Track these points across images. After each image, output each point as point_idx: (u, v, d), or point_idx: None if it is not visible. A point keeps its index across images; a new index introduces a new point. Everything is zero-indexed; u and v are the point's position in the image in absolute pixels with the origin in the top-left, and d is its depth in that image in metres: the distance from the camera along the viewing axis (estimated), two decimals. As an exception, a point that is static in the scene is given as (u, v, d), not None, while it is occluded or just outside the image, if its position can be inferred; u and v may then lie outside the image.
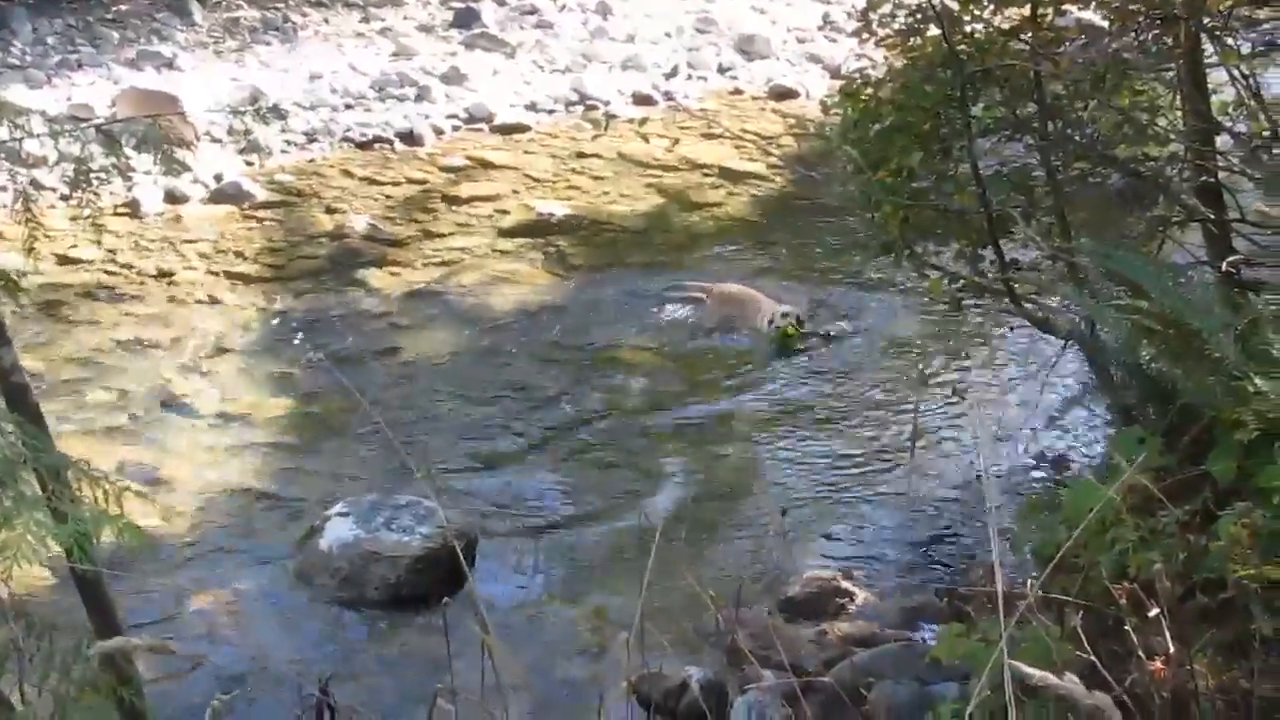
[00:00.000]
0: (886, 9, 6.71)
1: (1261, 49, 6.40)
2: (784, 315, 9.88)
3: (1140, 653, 3.86)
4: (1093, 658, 3.64)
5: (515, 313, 10.62)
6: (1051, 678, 2.16)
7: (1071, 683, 2.19)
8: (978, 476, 7.90)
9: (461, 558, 5.97)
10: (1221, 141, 6.31)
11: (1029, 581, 3.11)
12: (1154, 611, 3.85)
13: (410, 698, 6.31)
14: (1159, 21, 6.11)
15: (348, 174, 13.17)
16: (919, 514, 8.00)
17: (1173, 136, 6.41)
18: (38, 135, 4.18)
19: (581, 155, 13.61)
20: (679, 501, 8.16)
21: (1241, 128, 6.31)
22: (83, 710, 3.62)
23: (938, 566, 7.44)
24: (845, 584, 7.18)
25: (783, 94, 15.43)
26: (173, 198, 12.22)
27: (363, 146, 13.78)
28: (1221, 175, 6.32)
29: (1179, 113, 6.44)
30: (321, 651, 6.88)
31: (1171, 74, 6.49)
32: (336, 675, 6.35)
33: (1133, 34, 6.17)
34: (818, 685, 5.94)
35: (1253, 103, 6.23)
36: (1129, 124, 6.33)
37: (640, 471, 8.57)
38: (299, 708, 5.10)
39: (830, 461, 8.64)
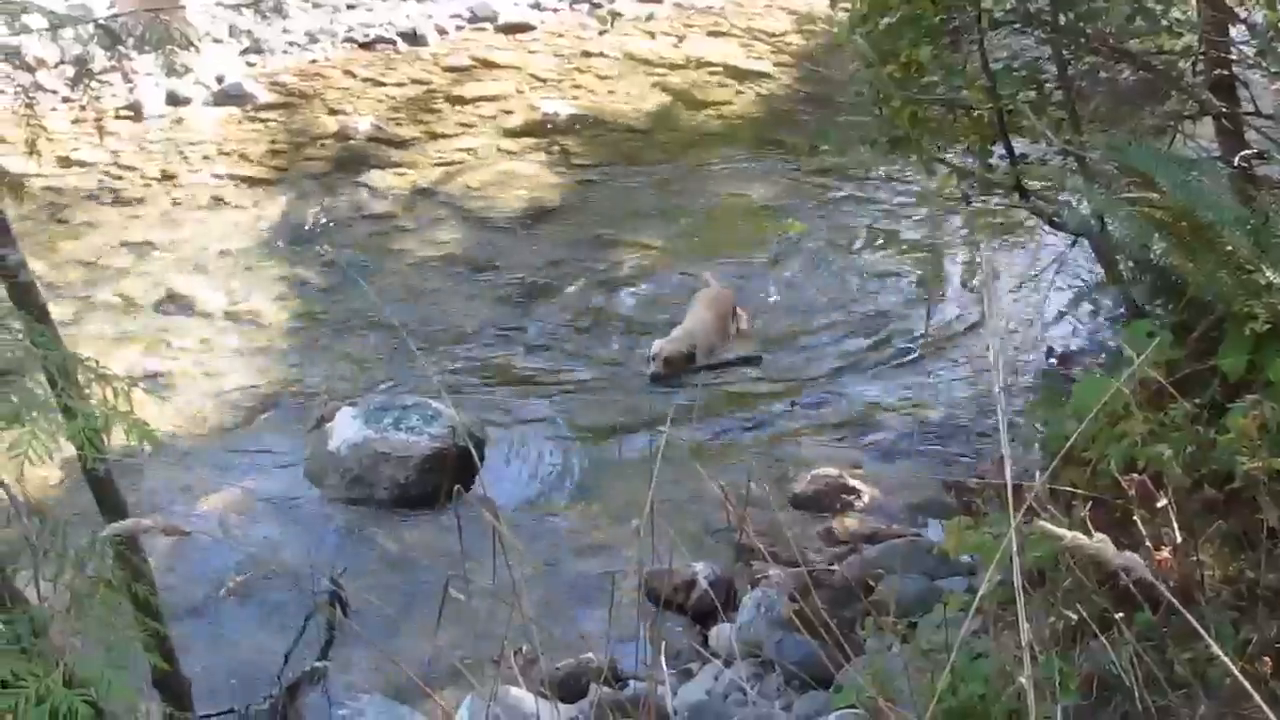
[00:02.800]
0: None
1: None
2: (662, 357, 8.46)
3: (1148, 543, 3.88)
4: (1101, 548, 3.65)
5: (521, 213, 10.57)
6: (1081, 537, 2.16)
7: (1101, 542, 2.18)
8: (987, 372, 7.91)
9: (475, 455, 6.00)
10: (1236, 33, 6.21)
11: (1037, 474, 3.10)
12: (1162, 503, 3.86)
13: (420, 593, 6.37)
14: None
15: (350, 75, 13.05)
16: (927, 410, 8.03)
17: (1186, 29, 6.30)
18: (38, 30, 4.12)
19: (587, 54, 13.46)
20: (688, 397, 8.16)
21: (1257, 18, 6.20)
22: (97, 604, 3.65)
23: (945, 462, 7.46)
24: (852, 481, 7.21)
25: (789, -12, 15.21)
26: (175, 100, 12.14)
27: (365, 46, 13.63)
28: (1235, 68, 6.22)
29: (1193, 4, 6.33)
30: (332, 549, 6.94)
31: (1185, -37, 6.39)
32: (347, 571, 6.46)
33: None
34: (825, 580, 5.98)
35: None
36: (1142, 15, 6.22)
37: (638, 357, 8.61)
38: (312, 601, 5.15)
39: (840, 357, 8.66)
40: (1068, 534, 2.22)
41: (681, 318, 8.76)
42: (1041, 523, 2.32)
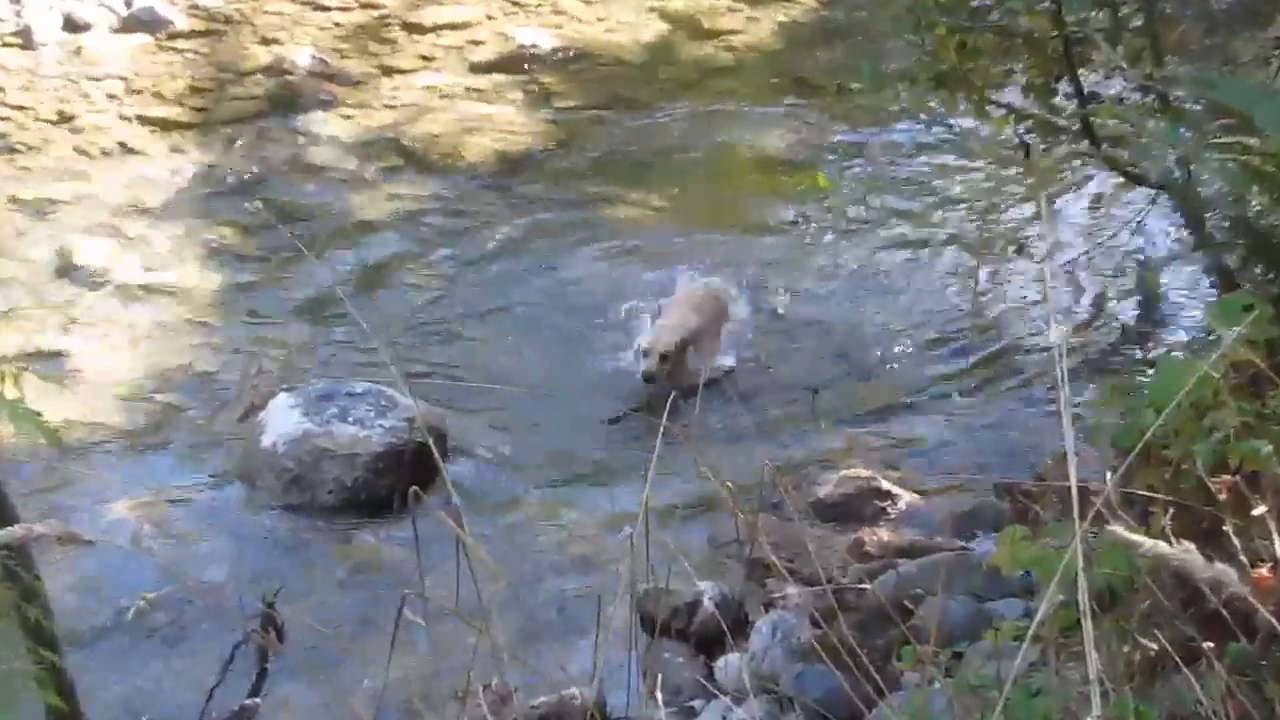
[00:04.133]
0: None
1: None
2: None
3: (1243, 558, 3.86)
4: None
5: (492, 165, 10.54)
6: (1163, 545, 2.14)
7: (1187, 552, 2.17)
8: (1047, 354, 7.90)
9: (435, 452, 5.98)
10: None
11: (1107, 475, 3.09)
12: (1260, 510, 3.84)
13: (370, 617, 6.39)
14: None
15: (287, -4, 13.00)
16: (976, 398, 8.02)
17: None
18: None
19: (571, -27, 13.41)
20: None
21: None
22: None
23: (997, 461, 7.44)
24: (886, 484, 7.21)
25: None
26: (73, 25, 12.03)
27: (304, -39, 13.58)
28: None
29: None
30: (265, 564, 6.95)
31: None
32: (284, 591, 6.44)
33: None
34: (853, 602, 5.98)
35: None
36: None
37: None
38: (241, 626, 5.14)
39: (873, 334, 8.67)
40: (1146, 541, 2.21)
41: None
42: (1113, 528, 2.31)
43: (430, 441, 6.99)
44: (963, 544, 6.75)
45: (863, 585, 6.29)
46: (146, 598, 6.71)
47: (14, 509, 3.95)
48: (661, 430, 3.04)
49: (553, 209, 10.01)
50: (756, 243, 9.60)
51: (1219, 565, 2.26)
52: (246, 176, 10.39)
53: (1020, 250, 9.04)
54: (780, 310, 8.95)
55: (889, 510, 7.10)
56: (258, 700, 5.14)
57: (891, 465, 7.45)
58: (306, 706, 5.92)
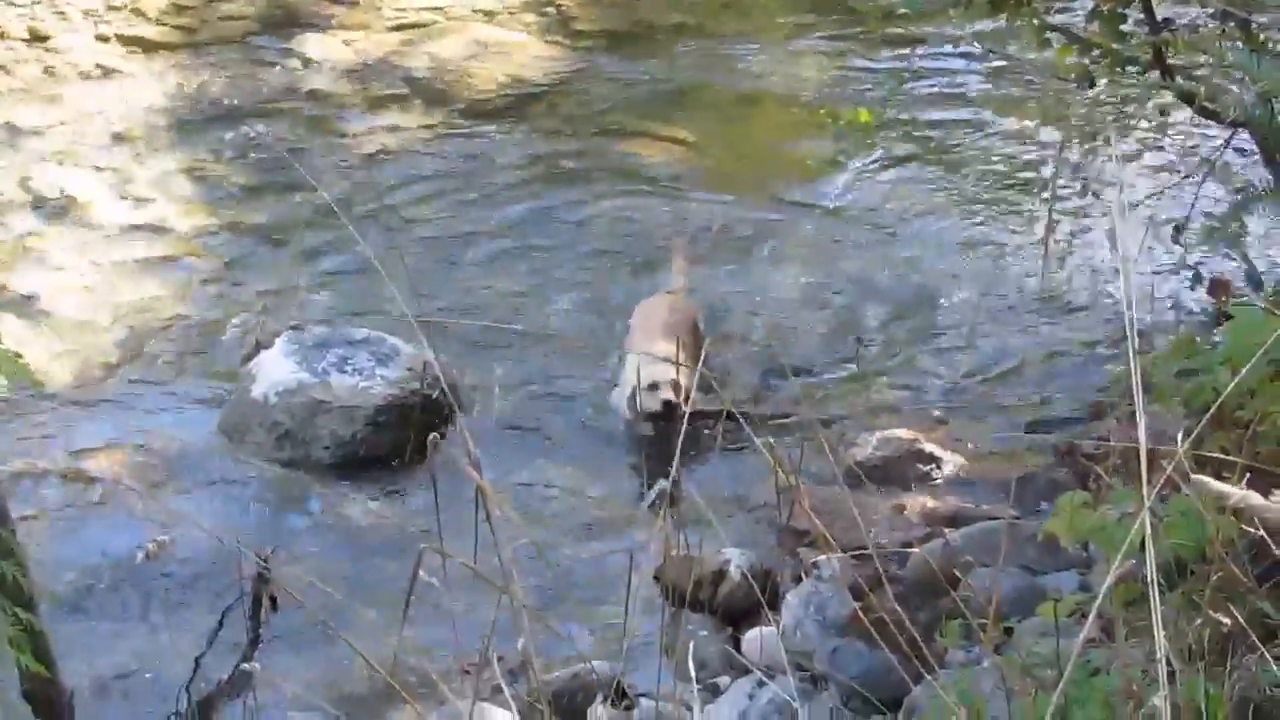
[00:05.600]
0: None
1: None
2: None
3: (1324, 527, 3.87)
4: (1262, 533, 3.65)
5: (504, 94, 10.53)
6: (1255, 496, 2.16)
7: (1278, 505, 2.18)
8: (1114, 305, 7.88)
9: (450, 397, 6.01)
10: None
11: (1179, 438, 3.09)
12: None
13: (370, 581, 6.42)
14: None
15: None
16: (1033, 355, 8.01)
17: None
18: None
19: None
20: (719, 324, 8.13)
21: None
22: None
23: (1054, 421, 7.44)
24: (930, 446, 7.21)
25: None
26: (48, -64, 12.05)
27: None
28: None
29: None
30: (256, 524, 6.98)
31: None
32: (277, 552, 6.46)
33: None
34: (895, 573, 5.99)
35: None
36: None
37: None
38: (237, 587, 5.17)
39: (920, 280, 8.70)
40: (1235, 491, 2.23)
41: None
42: (1200, 478, 2.33)
43: (443, 392, 7.11)
44: (1015, 513, 6.75)
45: (909, 549, 6.31)
46: (158, 540, 6.77)
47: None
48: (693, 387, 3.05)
49: (567, 143, 10.00)
50: (791, 183, 9.57)
51: None
52: (235, 103, 10.39)
53: (1087, 192, 9.01)
54: (815, 253, 8.94)
55: (933, 474, 7.11)
56: (256, 665, 5.18)
57: (936, 425, 7.44)
58: (303, 676, 5.97)
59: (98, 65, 10.73)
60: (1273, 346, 4.22)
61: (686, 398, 6.90)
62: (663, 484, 6.34)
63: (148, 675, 5.97)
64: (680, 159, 9.86)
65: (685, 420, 4.56)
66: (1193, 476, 2.39)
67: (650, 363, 7.33)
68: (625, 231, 9.21)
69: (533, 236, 9.12)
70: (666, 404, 7.22)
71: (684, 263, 8.49)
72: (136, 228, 9.09)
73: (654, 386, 7.27)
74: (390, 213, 9.27)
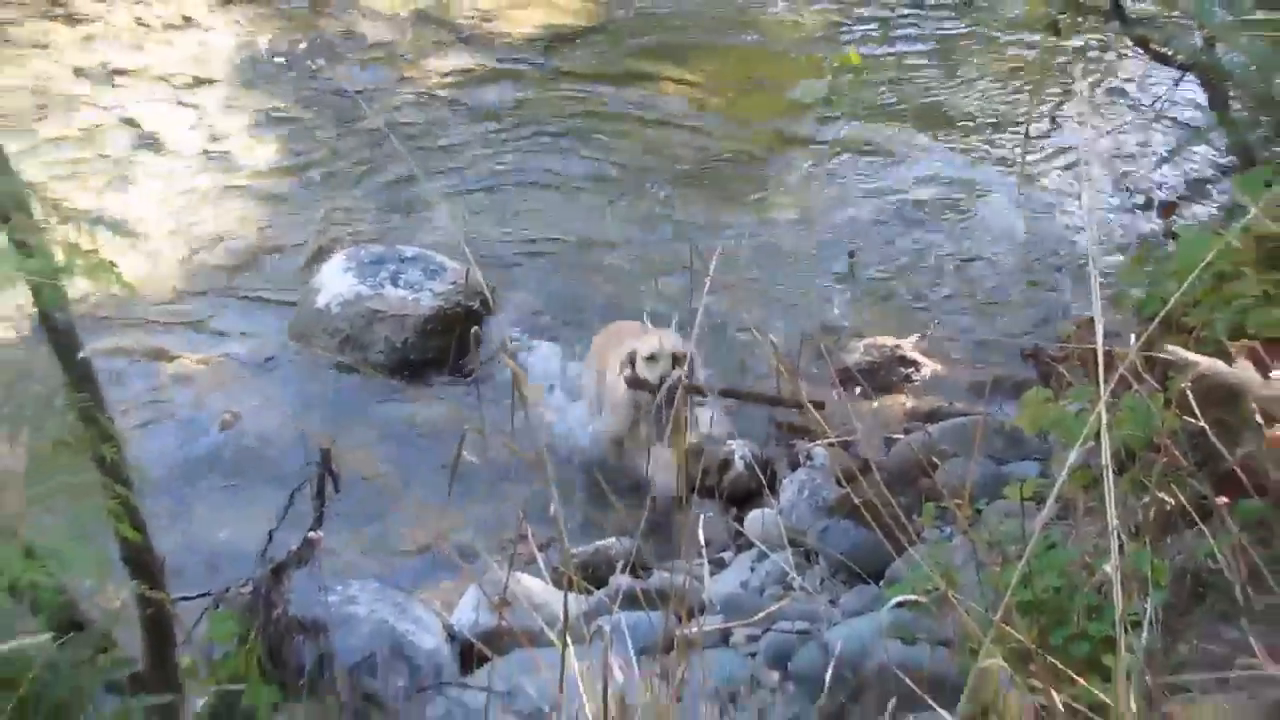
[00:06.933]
0: None
1: None
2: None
3: (1258, 419, 3.85)
4: (1203, 423, 3.63)
5: (538, 39, 10.48)
6: (1220, 364, 2.14)
7: (1243, 370, 2.16)
8: (1078, 226, 7.84)
9: (490, 300, 5.95)
10: None
11: (1131, 340, 3.07)
12: (1276, 374, 3.82)
13: (419, 469, 6.46)
14: None
15: None
16: (1004, 269, 7.97)
17: None
18: None
19: None
20: (734, 239, 8.09)
21: None
22: (57, 466, 3.66)
23: (1023, 330, 7.41)
24: (911, 352, 7.19)
25: None
26: (139, -98, 11.96)
27: None
28: None
29: None
30: (320, 418, 6.96)
31: None
32: (338, 443, 6.47)
33: None
34: (877, 463, 5.99)
35: None
36: None
37: (686, 212, 8.55)
38: (298, 477, 5.17)
39: (898, 206, 8.63)
40: (1204, 360, 2.21)
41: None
42: (1171, 346, 2.30)
43: (485, 301, 7.11)
44: (985, 409, 6.74)
45: (896, 436, 6.31)
46: (231, 412, 6.80)
47: (89, 359, 3.97)
48: (705, 286, 3.03)
49: (594, 83, 9.94)
50: (790, 120, 9.51)
51: (1275, 380, 2.26)
52: (301, 49, 10.33)
53: (1055, 125, 8.93)
54: (813, 182, 8.89)
55: (913, 377, 7.10)
56: (320, 533, 5.17)
57: (916, 332, 7.41)
58: (360, 552, 6.01)
59: (182, 16, 10.67)
60: (1214, 261, 4.20)
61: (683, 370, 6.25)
62: (677, 373, 6.24)
63: (227, 545, 6.00)
64: (694, 98, 9.81)
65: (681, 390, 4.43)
66: (1168, 346, 2.36)
67: (646, 335, 6.62)
68: (644, 161, 9.16)
69: (562, 165, 9.09)
70: (662, 377, 6.41)
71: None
72: (215, 157, 9.07)
73: (652, 358, 6.45)
74: (438, 145, 9.23)
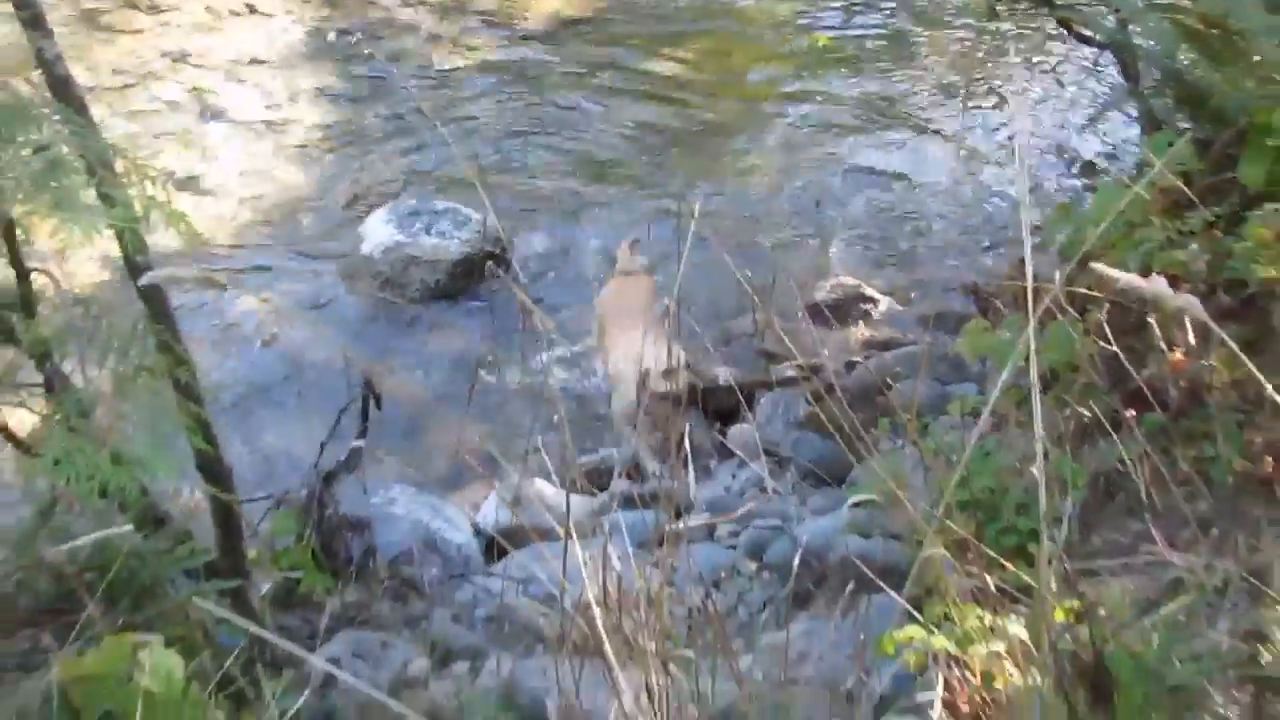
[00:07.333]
0: None
1: None
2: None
3: (1161, 346, 3.85)
4: (1116, 349, 3.63)
5: (553, 24, 10.43)
6: (1137, 279, 2.12)
7: (1158, 285, 2.14)
8: (1012, 183, 7.81)
9: (506, 248, 5.93)
10: None
11: (1056, 277, 3.06)
12: (1176, 304, 3.81)
13: (448, 391, 6.44)
14: None
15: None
16: (952, 220, 7.95)
17: None
18: None
19: None
20: (714, 195, 8.06)
21: None
22: (140, 389, 3.66)
23: (967, 271, 7.37)
24: (870, 290, 7.18)
25: None
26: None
27: None
28: None
29: None
30: (364, 347, 6.96)
31: None
32: (379, 366, 6.49)
33: None
34: (840, 384, 5.99)
35: None
36: None
37: (673, 171, 8.54)
38: (347, 395, 5.18)
39: (862, 164, 8.59)
40: (1123, 275, 2.19)
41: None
42: (1098, 265, 2.28)
43: (505, 245, 7.10)
44: (931, 339, 6.73)
45: (856, 359, 6.30)
46: (272, 333, 6.81)
47: (165, 297, 3.95)
48: (690, 232, 3.01)
49: (598, 59, 9.87)
50: (766, 92, 9.45)
51: (1185, 295, 2.24)
52: (348, 33, 10.26)
53: (993, 98, 8.86)
54: (783, 147, 8.84)
55: (872, 312, 7.08)
56: (363, 442, 5.18)
57: (875, 273, 7.40)
58: (398, 462, 6.01)
59: (245, 5, 10.59)
60: (1127, 210, 4.19)
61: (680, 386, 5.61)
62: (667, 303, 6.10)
63: (285, 455, 6.02)
64: (683, 72, 9.74)
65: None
66: (1091, 264, 2.34)
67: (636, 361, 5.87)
68: (641, 125, 9.11)
69: (570, 129, 9.04)
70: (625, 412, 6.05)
71: (631, 253, 7.29)
72: (273, 125, 9.03)
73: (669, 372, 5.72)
74: (465, 113, 9.19)
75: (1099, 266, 2.25)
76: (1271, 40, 4.48)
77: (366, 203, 8.13)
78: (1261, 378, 2.43)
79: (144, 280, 3.08)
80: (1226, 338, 2.50)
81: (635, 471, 5.59)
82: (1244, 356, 2.48)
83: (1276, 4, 4.67)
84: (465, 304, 7.32)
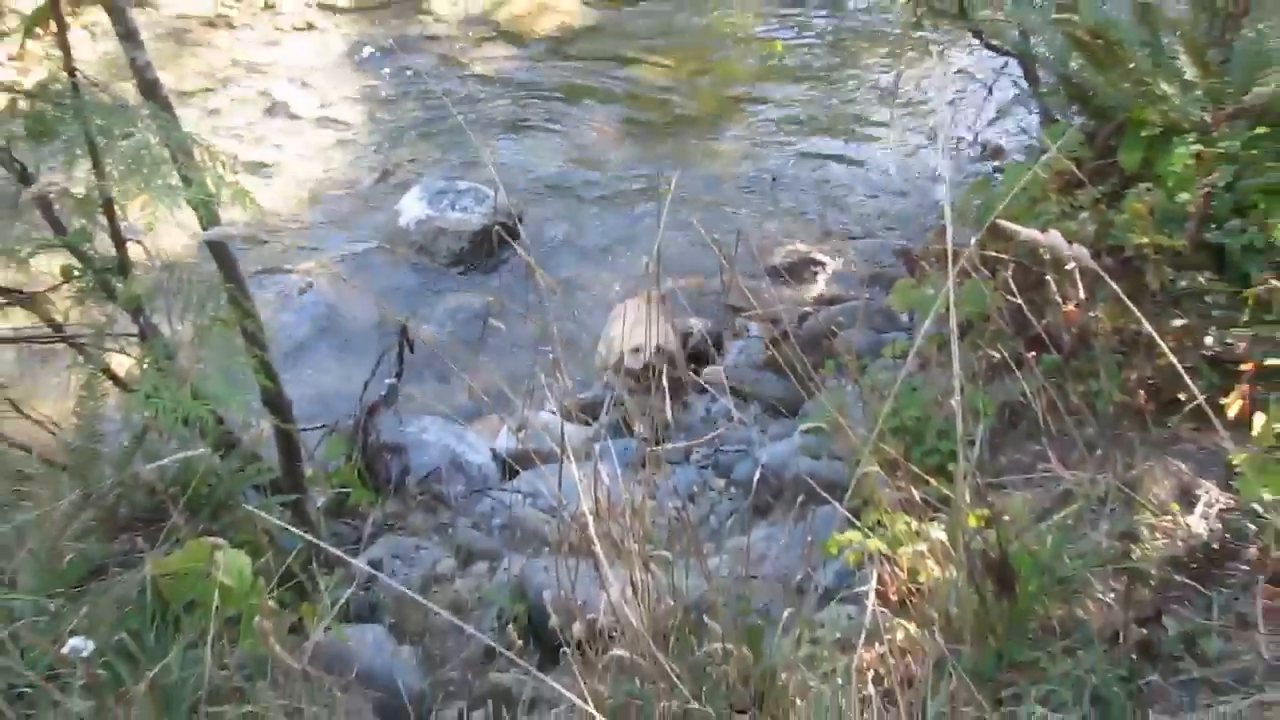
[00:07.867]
0: None
1: None
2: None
3: (1057, 299, 3.84)
4: (1020, 301, 3.61)
5: (555, 36, 10.30)
6: (1035, 232, 2.08)
7: (1054, 238, 2.11)
8: (935, 167, 7.76)
9: (517, 221, 5.89)
10: None
11: (971, 242, 3.03)
12: (1069, 268, 3.80)
13: (471, 340, 6.39)
14: None
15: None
16: (886, 196, 7.87)
17: None
18: None
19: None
20: (691, 181, 8.00)
21: None
22: (215, 337, 3.65)
23: (895, 238, 7.34)
24: (819, 254, 7.14)
25: None
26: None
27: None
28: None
29: None
30: (400, 304, 6.90)
31: None
32: (413, 320, 6.45)
33: None
34: (794, 332, 5.97)
35: None
36: None
37: (656, 156, 8.43)
38: (386, 342, 5.14)
39: (812, 149, 8.48)
40: (1025, 230, 2.15)
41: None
42: (1009, 223, 2.25)
43: (514, 220, 7.03)
44: (869, 295, 6.71)
45: (806, 313, 6.27)
46: (307, 282, 6.77)
47: (236, 261, 3.90)
48: (666, 204, 2.97)
49: (594, 67, 9.75)
50: (730, 92, 9.35)
51: (1076, 246, 2.21)
52: (388, 45, 10.15)
53: (919, 93, 8.78)
54: (747, 136, 8.75)
55: (820, 273, 7.04)
56: (399, 381, 5.15)
57: (822, 241, 7.35)
58: (428, 397, 5.96)
59: (306, 21, 10.47)
60: (1028, 187, 4.16)
61: (670, 361, 5.67)
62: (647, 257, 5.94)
63: (335, 391, 5.98)
64: (665, 77, 9.63)
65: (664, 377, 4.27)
66: (1003, 223, 2.31)
67: (635, 327, 5.88)
68: (628, 120, 8.99)
69: (570, 125, 8.93)
70: (646, 366, 5.71)
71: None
72: (326, 122, 8.92)
73: (636, 350, 5.90)
74: (483, 109, 9.10)
75: (1006, 224, 2.21)
76: (1143, 50, 4.49)
77: (402, 183, 8.04)
78: (1142, 317, 2.41)
79: (205, 237, 3.06)
80: (1113, 284, 2.48)
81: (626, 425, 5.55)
82: (1128, 301, 2.46)
83: (1146, 19, 4.67)
84: (484, 267, 7.26)
